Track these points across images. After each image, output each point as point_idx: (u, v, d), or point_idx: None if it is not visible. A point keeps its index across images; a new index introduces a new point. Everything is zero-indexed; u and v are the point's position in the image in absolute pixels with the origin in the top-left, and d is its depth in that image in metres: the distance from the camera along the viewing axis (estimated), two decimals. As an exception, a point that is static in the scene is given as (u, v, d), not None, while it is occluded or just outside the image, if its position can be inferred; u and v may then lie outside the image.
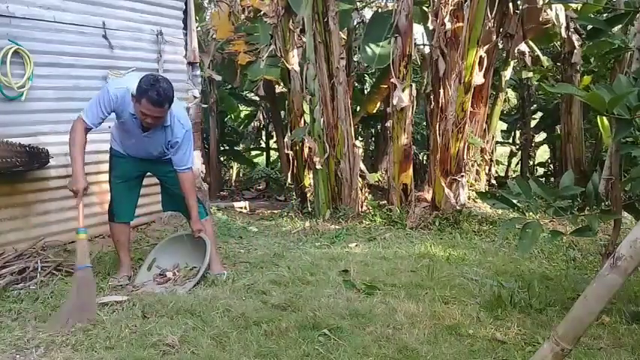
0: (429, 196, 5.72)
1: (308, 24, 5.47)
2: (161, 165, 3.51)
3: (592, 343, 2.58)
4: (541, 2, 5.89)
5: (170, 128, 3.31)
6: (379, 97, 7.25)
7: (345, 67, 5.70)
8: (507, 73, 7.00)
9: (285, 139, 6.49)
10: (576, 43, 6.26)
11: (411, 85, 5.50)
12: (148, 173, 3.67)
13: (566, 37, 6.28)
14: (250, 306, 2.98)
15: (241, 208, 6.63)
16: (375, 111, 7.88)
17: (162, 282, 3.46)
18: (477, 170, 6.45)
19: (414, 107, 5.65)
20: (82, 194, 3.12)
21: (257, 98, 9.48)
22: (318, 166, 5.53)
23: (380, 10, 7.54)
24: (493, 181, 7.13)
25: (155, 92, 3.03)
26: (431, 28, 5.80)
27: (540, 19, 6.11)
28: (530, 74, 7.78)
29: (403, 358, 2.45)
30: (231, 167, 11.35)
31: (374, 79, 8.00)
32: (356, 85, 8.45)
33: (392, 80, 5.37)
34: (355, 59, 8.05)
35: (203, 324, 2.75)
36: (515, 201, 2.85)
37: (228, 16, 7.29)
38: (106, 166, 4.58)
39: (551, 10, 6.02)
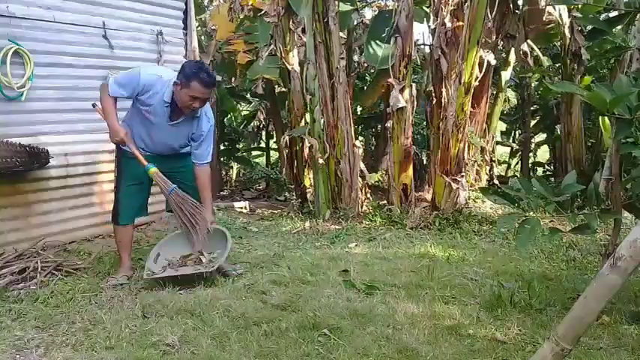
0: (429, 196, 5.72)
1: (308, 24, 5.46)
2: (174, 161, 3.55)
3: (592, 343, 2.58)
4: (543, 2, 5.88)
5: (198, 120, 3.41)
6: (377, 93, 7.21)
7: (345, 67, 5.69)
8: (507, 73, 6.99)
9: (283, 138, 6.46)
10: (581, 43, 6.25)
11: (412, 85, 5.49)
12: None
13: (570, 36, 6.27)
14: (250, 306, 2.98)
15: (241, 208, 6.62)
16: (372, 107, 7.85)
17: (192, 263, 3.52)
18: (477, 170, 6.45)
19: (414, 107, 5.64)
20: (129, 139, 3.35)
21: (257, 98, 9.47)
22: (321, 161, 5.49)
23: (382, 10, 7.52)
24: (493, 181, 7.12)
25: (205, 74, 3.18)
26: (432, 27, 5.79)
27: (544, 19, 6.10)
28: (530, 74, 7.77)
29: (403, 358, 2.45)
30: (231, 167, 11.34)
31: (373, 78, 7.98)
32: (357, 83, 8.43)
33: (390, 80, 5.37)
34: (355, 59, 8.04)
35: (203, 324, 2.75)
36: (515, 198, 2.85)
37: (228, 13, 7.26)
38: (104, 167, 4.60)
39: (554, 9, 6.01)
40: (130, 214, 3.59)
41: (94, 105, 3.50)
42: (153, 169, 3.39)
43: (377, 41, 6.26)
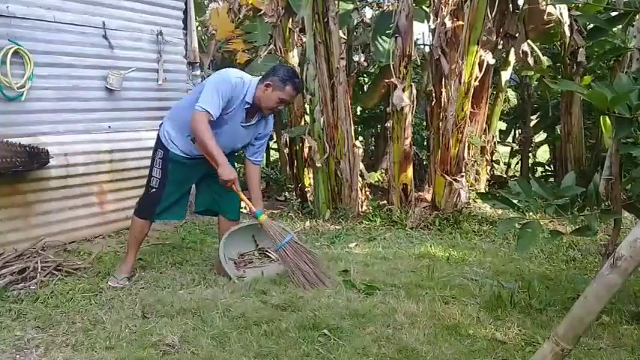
0: (429, 196, 5.71)
1: (308, 24, 5.46)
2: None
3: (592, 343, 2.58)
4: (543, 2, 5.87)
5: (266, 120, 3.51)
6: (377, 93, 7.22)
7: (345, 67, 5.69)
8: (507, 73, 6.99)
9: (282, 137, 6.46)
10: (580, 43, 6.24)
11: (412, 85, 5.49)
12: None
13: (570, 36, 6.26)
14: (250, 306, 2.98)
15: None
16: (372, 107, 7.84)
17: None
18: (477, 170, 6.44)
19: (414, 107, 5.64)
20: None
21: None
22: (319, 164, 5.49)
23: (383, 9, 7.53)
24: (493, 181, 7.12)
25: (298, 79, 3.33)
26: (432, 27, 5.78)
27: (545, 19, 6.09)
28: (531, 73, 7.77)
29: (403, 358, 2.45)
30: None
31: (373, 77, 7.98)
32: (361, 80, 8.43)
33: (392, 80, 5.37)
34: (355, 59, 8.03)
35: (203, 324, 2.75)
36: (515, 201, 2.84)
37: (227, 13, 7.26)
38: (104, 167, 4.61)
39: (555, 8, 6.01)
40: (168, 215, 3.60)
41: (193, 140, 3.32)
42: (263, 217, 3.45)
43: (383, 37, 6.33)
